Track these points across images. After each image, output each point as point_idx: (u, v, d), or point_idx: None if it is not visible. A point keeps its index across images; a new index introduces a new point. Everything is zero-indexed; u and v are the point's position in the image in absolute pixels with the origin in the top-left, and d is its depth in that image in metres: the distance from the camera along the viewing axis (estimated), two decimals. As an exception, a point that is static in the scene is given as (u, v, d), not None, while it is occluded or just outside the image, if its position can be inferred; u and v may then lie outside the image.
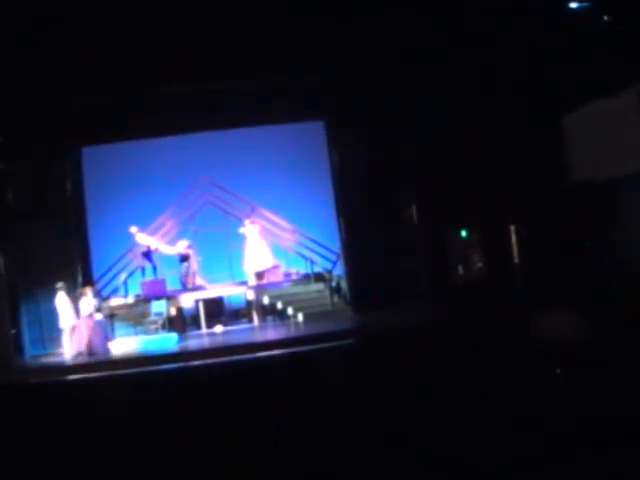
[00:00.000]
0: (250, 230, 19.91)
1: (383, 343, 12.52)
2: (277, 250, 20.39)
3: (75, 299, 17.08)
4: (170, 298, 19.00)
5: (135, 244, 19.65)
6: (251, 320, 19.41)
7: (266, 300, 19.39)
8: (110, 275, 19.86)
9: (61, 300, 16.77)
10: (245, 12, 15.01)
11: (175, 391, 9.87)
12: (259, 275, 19.60)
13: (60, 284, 16.88)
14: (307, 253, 20.26)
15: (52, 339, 17.46)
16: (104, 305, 17.85)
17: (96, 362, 15.94)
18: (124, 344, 17.17)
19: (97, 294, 17.98)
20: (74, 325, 16.81)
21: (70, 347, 16.67)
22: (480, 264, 17.55)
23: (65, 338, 16.79)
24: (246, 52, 15.41)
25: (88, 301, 16.93)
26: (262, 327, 18.98)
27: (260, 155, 20.45)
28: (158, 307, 18.91)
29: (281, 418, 7.88)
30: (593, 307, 11.97)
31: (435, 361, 9.60)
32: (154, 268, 19.66)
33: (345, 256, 19.43)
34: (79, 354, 16.52)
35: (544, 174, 16.09)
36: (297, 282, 20.00)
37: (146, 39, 14.92)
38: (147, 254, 19.48)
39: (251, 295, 19.38)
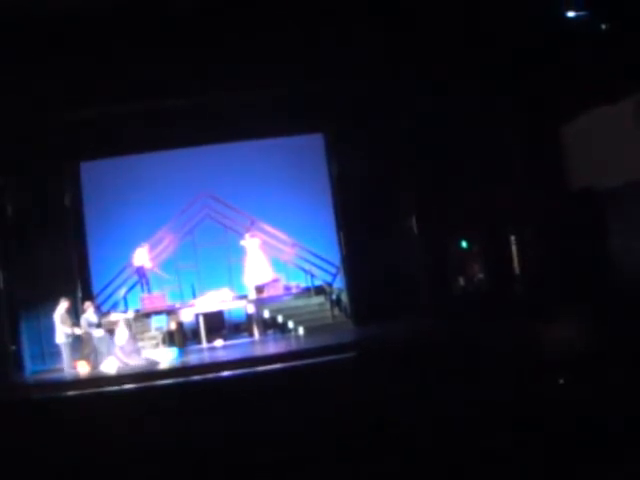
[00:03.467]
0: (250, 243, 19.89)
1: (384, 356, 12.48)
2: (277, 263, 20.36)
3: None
4: (170, 312, 18.96)
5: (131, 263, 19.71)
6: (252, 334, 19.35)
7: (266, 314, 19.33)
8: (110, 290, 19.84)
9: (59, 315, 16.69)
10: (244, 26, 15.06)
11: (175, 406, 9.83)
12: (259, 289, 19.55)
13: (63, 300, 16.82)
14: (307, 266, 20.23)
15: (52, 354, 17.39)
16: (104, 320, 17.76)
17: (96, 378, 15.89)
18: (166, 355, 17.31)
19: (97, 309, 17.95)
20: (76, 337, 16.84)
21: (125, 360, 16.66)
22: (481, 275, 17.54)
23: (65, 353, 16.70)
24: (245, 65, 15.44)
25: (89, 316, 16.96)
26: (263, 341, 18.91)
27: (259, 168, 20.44)
28: (158, 322, 18.87)
29: (282, 432, 7.84)
30: (594, 316, 11.93)
31: (436, 372, 9.55)
32: (147, 284, 19.62)
33: (345, 269, 19.41)
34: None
35: (544, 183, 16.09)
36: (297, 295, 19.95)
37: (144, 53, 14.97)
38: (141, 271, 19.46)
39: (251, 309, 19.32)
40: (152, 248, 19.98)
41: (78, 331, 16.83)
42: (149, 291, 19.54)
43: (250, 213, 20.51)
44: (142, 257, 19.53)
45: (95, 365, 16.65)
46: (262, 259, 19.87)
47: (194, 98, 16.62)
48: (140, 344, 17.64)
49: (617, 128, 14.21)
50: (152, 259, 19.81)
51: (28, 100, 15.28)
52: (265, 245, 20.31)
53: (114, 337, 16.83)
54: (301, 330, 18.76)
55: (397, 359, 11.37)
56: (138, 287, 19.83)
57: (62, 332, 16.60)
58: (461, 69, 15.93)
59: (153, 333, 18.67)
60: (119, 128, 17.44)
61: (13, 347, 16.93)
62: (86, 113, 16.49)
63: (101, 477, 7.20)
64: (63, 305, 16.80)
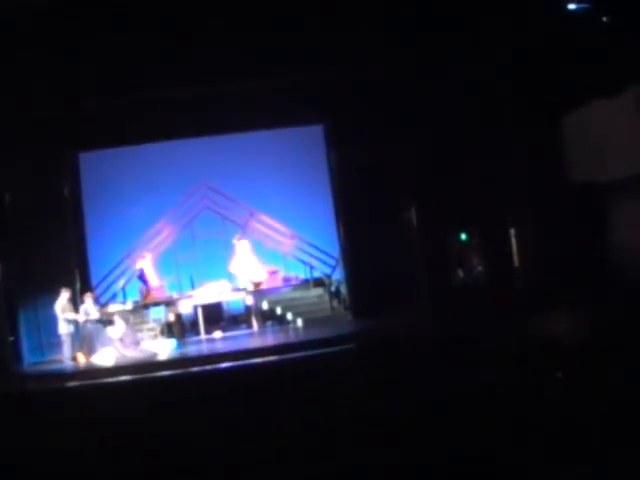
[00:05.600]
0: (240, 246, 19.80)
1: (383, 348, 12.48)
2: (276, 255, 20.34)
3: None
4: (169, 304, 18.94)
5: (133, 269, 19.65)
6: (250, 326, 19.34)
7: (265, 305, 19.32)
8: (108, 281, 19.82)
9: (60, 305, 16.68)
10: (243, 15, 15.01)
11: (174, 398, 9.83)
12: (256, 284, 19.49)
13: (65, 290, 16.82)
14: (306, 258, 20.21)
15: (51, 345, 17.38)
16: (103, 311, 17.76)
17: (94, 369, 15.90)
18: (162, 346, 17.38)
19: (95, 300, 17.94)
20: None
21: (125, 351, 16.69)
22: (480, 267, 17.50)
23: (67, 344, 16.69)
24: (244, 55, 15.41)
25: (88, 307, 16.98)
26: (261, 333, 18.91)
27: (259, 159, 20.42)
28: (157, 313, 18.85)
29: (280, 424, 7.84)
30: (594, 310, 11.93)
31: (435, 365, 9.56)
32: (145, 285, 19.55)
33: (344, 261, 19.39)
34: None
35: (544, 176, 16.07)
36: (296, 287, 19.93)
37: (142, 43, 14.92)
38: (142, 277, 19.43)
39: (250, 300, 19.30)
40: (151, 239, 19.96)
41: (81, 318, 16.85)
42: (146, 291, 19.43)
43: (249, 204, 20.48)
44: (145, 267, 19.50)
45: (93, 356, 16.66)
46: (252, 261, 19.73)
47: (194, 89, 16.57)
48: (139, 335, 17.64)
49: (618, 121, 14.18)
50: (157, 276, 19.75)
51: (27, 91, 15.24)
52: (264, 236, 20.30)
53: (111, 329, 16.85)
54: (300, 322, 18.77)
55: (396, 351, 11.37)
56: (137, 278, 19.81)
57: (64, 322, 16.60)
58: (461, 59, 15.88)
59: (152, 324, 18.67)
60: (118, 119, 17.39)
61: (11, 338, 16.91)
62: (85, 104, 16.44)
63: (100, 469, 7.20)
64: (65, 295, 16.81)
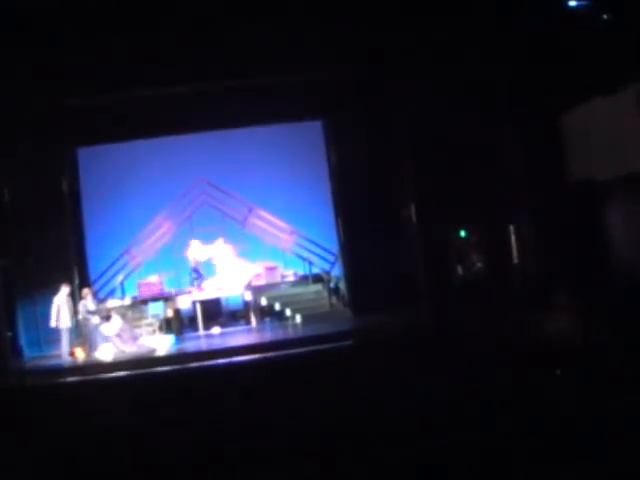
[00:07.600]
0: (223, 250, 19.77)
1: (382, 344, 12.49)
2: (275, 251, 20.33)
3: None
4: (167, 299, 18.93)
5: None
6: (249, 321, 19.33)
7: (264, 301, 19.30)
8: (107, 276, 19.80)
9: (61, 300, 16.66)
10: (243, 12, 15.00)
11: (172, 393, 9.84)
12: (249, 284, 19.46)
13: (65, 285, 16.82)
14: (305, 254, 20.19)
15: (49, 341, 17.37)
16: (101, 307, 17.74)
17: (93, 364, 15.89)
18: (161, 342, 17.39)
19: (94, 296, 17.93)
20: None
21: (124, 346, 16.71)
22: (479, 264, 17.49)
23: (65, 339, 16.67)
24: (244, 51, 15.39)
25: (87, 303, 16.97)
26: (260, 329, 18.89)
27: (258, 155, 20.40)
28: (155, 309, 18.84)
29: (279, 420, 7.84)
30: (593, 307, 11.94)
31: (434, 362, 9.56)
32: (199, 277, 19.47)
33: (343, 257, 19.37)
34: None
35: (544, 173, 16.07)
36: (295, 283, 19.93)
37: (143, 39, 14.90)
38: (197, 268, 19.41)
39: (249, 296, 19.30)
40: (150, 234, 19.93)
41: (80, 314, 16.86)
42: (199, 285, 19.40)
43: (248, 200, 20.45)
44: (196, 251, 19.47)
45: (91, 352, 16.65)
46: (238, 265, 19.72)
47: (193, 84, 16.55)
48: (137, 331, 17.63)
49: (617, 119, 14.16)
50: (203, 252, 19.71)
51: (27, 85, 15.22)
52: (263, 232, 20.29)
53: (106, 325, 16.83)
54: (298, 318, 18.74)
55: (395, 348, 11.39)
56: (135, 273, 19.77)
57: (63, 317, 16.57)
58: (461, 57, 15.87)
59: (150, 320, 18.66)
60: (117, 114, 17.35)
61: (10, 333, 16.90)
62: (85, 99, 16.43)
63: (98, 463, 7.20)
64: (65, 290, 16.80)
